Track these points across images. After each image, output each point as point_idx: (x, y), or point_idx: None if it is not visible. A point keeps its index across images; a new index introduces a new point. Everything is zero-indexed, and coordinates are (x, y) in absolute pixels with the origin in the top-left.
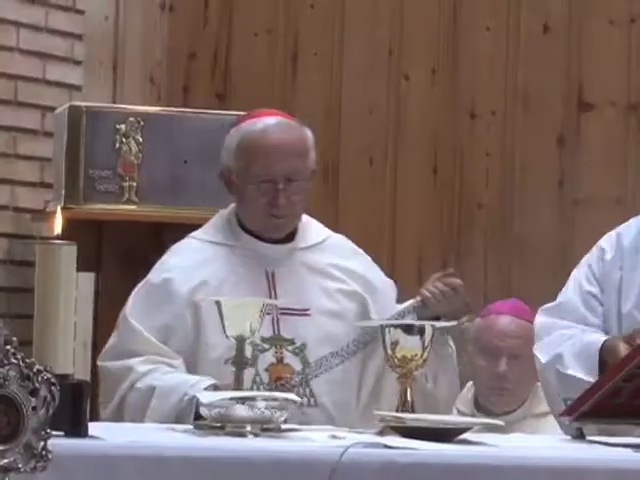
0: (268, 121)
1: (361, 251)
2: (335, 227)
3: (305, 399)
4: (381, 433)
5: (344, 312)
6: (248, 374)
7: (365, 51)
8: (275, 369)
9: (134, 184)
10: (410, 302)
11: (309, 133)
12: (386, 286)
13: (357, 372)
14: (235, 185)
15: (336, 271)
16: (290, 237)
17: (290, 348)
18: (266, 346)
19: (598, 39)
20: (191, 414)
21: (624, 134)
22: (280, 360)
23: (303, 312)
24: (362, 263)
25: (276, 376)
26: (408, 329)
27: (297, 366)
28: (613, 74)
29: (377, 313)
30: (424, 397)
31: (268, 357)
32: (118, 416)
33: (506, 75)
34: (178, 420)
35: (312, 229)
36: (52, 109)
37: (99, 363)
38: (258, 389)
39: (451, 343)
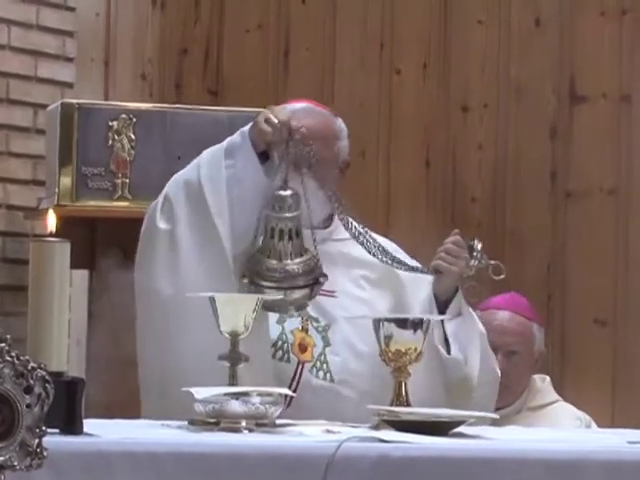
0: (295, 106)
1: (401, 251)
2: None
3: (321, 373)
4: (376, 427)
5: (371, 299)
6: (274, 331)
7: (357, 45)
8: (299, 335)
9: (127, 181)
10: (418, 266)
11: (340, 122)
12: (417, 279)
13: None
14: None
15: (368, 264)
16: (327, 224)
17: (315, 325)
18: (295, 313)
19: (589, 31)
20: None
21: (616, 126)
22: (305, 330)
23: (330, 293)
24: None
25: (299, 342)
26: (402, 323)
27: (319, 343)
28: (605, 66)
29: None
30: (461, 383)
31: (295, 321)
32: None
33: (498, 68)
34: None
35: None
36: (44, 106)
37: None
38: (282, 346)
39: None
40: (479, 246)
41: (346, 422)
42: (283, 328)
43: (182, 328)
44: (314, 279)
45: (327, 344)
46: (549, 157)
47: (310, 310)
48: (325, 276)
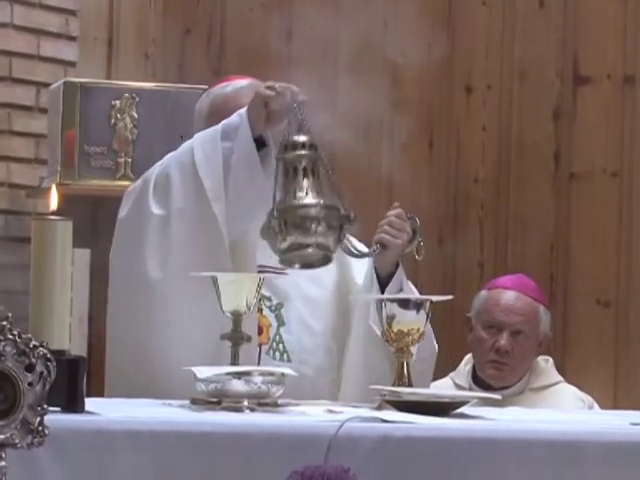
0: (239, 83)
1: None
2: None
3: (278, 354)
4: (378, 407)
5: (319, 276)
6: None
7: (360, 26)
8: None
9: (129, 160)
10: (367, 251)
11: None
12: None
13: (331, 339)
14: None
15: None
16: None
17: (267, 304)
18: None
19: (593, 13)
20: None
21: (620, 107)
22: (259, 310)
23: (281, 271)
24: None
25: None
26: (404, 303)
27: (273, 323)
28: (609, 47)
29: (355, 276)
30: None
31: None
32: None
33: (502, 49)
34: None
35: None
36: (47, 85)
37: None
38: None
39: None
40: (419, 223)
41: (304, 399)
42: None
43: (169, 312)
44: (343, 219)
45: (281, 323)
46: (552, 138)
47: (263, 289)
48: (351, 219)
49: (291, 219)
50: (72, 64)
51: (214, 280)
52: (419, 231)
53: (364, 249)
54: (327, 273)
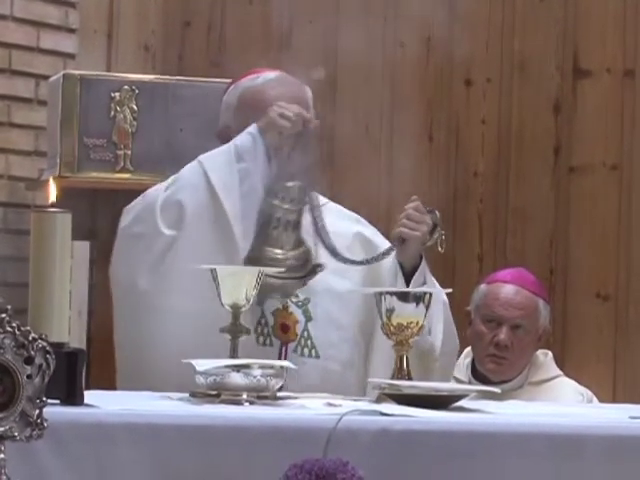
0: (268, 75)
1: (355, 215)
2: (330, 194)
3: (306, 350)
4: (377, 401)
5: (347, 270)
6: (254, 313)
7: (360, 18)
8: (280, 314)
9: (129, 152)
10: (387, 247)
11: (309, 91)
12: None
13: (358, 333)
14: None
15: (338, 230)
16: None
17: (294, 300)
18: (279, 299)
19: (594, 6)
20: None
21: (620, 100)
22: (285, 307)
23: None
24: (360, 223)
25: (281, 322)
26: (404, 296)
27: (300, 318)
28: (609, 41)
29: (382, 271)
30: (424, 352)
31: (274, 301)
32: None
33: (502, 42)
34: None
35: (312, 194)
36: (46, 77)
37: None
38: (262, 330)
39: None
40: (439, 215)
41: (333, 394)
42: (262, 310)
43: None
44: (312, 269)
45: (309, 318)
46: (552, 132)
47: None
48: (321, 266)
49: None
50: (72, 56)
51: (213, 273)
52: (439, 224)
53: (386, 245)
54: (354, 269)
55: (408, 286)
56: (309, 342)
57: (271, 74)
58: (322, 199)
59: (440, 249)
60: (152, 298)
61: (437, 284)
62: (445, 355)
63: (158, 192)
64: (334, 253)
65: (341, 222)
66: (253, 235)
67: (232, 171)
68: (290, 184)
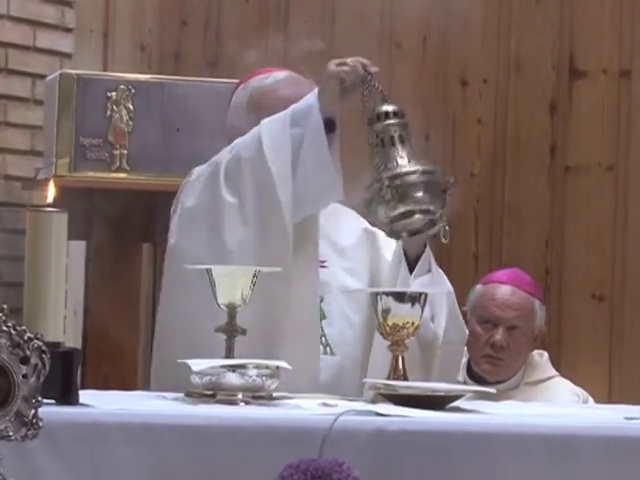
0: (277, 75)
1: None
2: None
3: (321, 347)
4: (373, 401)
5: (355, 268)
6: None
7: (356, 18)
8: None
9: (125, 152)
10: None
11: (316, 87)
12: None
13: (368, 332)
14: None
15: (343, 230)
16: None
17: None
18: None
19: (590, 7)
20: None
21: (616, 101)
22: None
23: (321, 264)
24: (360, 222)
25: None
26: (400, 297)
27: None
28: (605, 41)
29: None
30: (427, 340)
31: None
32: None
33: (498, 42)
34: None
35: None
36: (43, 77)
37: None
38: None
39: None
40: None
41: (345, 392)
42: None
43: None
44: (447, 181)
45: (322, 316)
46: (548, 132)
47: None
48: (452, 182)
49: (400, 188)
50: (68, 55)
51: (209, 273)
52: (444, 214)
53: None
54: (361, 265)
55: (412, 273)
56: (324, 339)
57: (281, 74)
58: None
59: (444, 240)
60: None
61: (442, 273)
62: (450, 344)
63: (223, 156)
64: None
65: (351, 220)
66: (302, 210)
67: (285, 135)
68: (386, 105)
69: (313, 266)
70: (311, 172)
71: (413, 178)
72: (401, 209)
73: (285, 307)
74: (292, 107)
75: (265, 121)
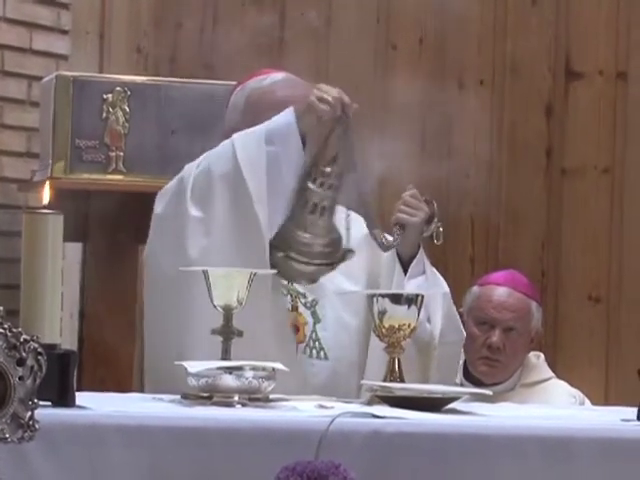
0: (275, 77)
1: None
2: None
3: (315, 352)
4: (369, 403)
5: (352, 271)
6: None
7: (353, 20)
8: (290, 314)
9: (121, 154)
10: (392, 239)
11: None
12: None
13: (365, 335)
14: None
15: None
16: None
17: (302, 301)
18: (284, 291)
19: (586, 8)
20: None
21: (612, 103)
22: (295, 308)
23: None
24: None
25: (291, 322)
26: (396, 299)
27: (309, 320)
28: (601, 43)
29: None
30: (423, 341)
31: (286, 301)
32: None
33: (494, 44)
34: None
35: None
36: (39, 79)
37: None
38: None
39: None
40: (436, 206)
41: (340, 396)
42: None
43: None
44: (342, 256)
45: (317, 320)
46: (544, 134)
47: (298, 286)
48: (352, 252)
49: (298, 256)
50: (64, 57)
51: (205, 274)
52: (436, 215)
53: (390, 239)
54: (359, 268)
55: (406, 274)
56: (317, 344)
57: (278, 75)
58: None
59: (436, 241)
60: (181, 282)
61: (438, 274)
62: (447, 345)
63: (190, 169)
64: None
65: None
66: (282, 218)
67: (260, 153)
68: (328, 169)
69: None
70: (286, 189)
71: (309, 249)
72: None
73: (262, 315)
74: (266, 124)
75: (237, 136)
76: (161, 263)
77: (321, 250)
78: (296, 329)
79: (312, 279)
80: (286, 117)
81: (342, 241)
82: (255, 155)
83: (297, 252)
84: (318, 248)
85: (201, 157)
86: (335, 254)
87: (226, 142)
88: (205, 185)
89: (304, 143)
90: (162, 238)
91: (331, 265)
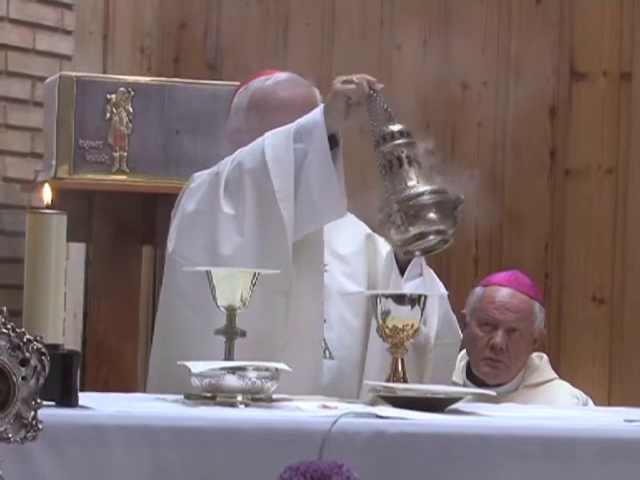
0: (278, 77)
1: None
2: None
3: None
4: (372, 403)
5: (355, 272)
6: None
7: (356, 21)
8: None
9: (124, 154)
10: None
11: (318, 93)
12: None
13: (366, 335)
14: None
15: (344, 236)
16: None
17: None
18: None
19: (590, 9)
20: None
21: (616, 104)
22: None
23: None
24: (364, 227)
25: None
26: (399, 299)
27: None
28: (605, 44)
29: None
30: (418, 342)
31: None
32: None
33: (498, 45)
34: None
35: None
36: (42, 79)
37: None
38: None
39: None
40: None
41: (344, 396)
42: None
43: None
44: (456, 202)
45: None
46: (548, 135)
47: None
48: (461, 198)
49: (410, 210)
50: (68, 58)
51: (208, 275)
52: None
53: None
54: (361, 270)
55: (403, 276)
56: (323, 343)
57: (281, 75)
58: None
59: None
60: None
61: (435, 276)
62: (443, 347)
63: (224, 165)
64: None
65: (353, 226)
66: (304, 228)
67: (288, 149)
68: (389, 125)
69: (317, 272)
70: (315, 189)
71: (423, 200)
72: (412, 232)
73: (285, 319)
74: (297, 122)
75: (269, 134)
76: (192, 261)
77: (427, 200)
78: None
79: (443, 238)
80: (314, 115)
81: (445, 189)
82: (283, 152)
83: (407, 211)
84: (426, 196)
85: (236, 152)
86: (448, 200)
87: (259, 139)
88: (237, 180)
89: (337, 142)
90: (194, 237)
91: (450, 212)
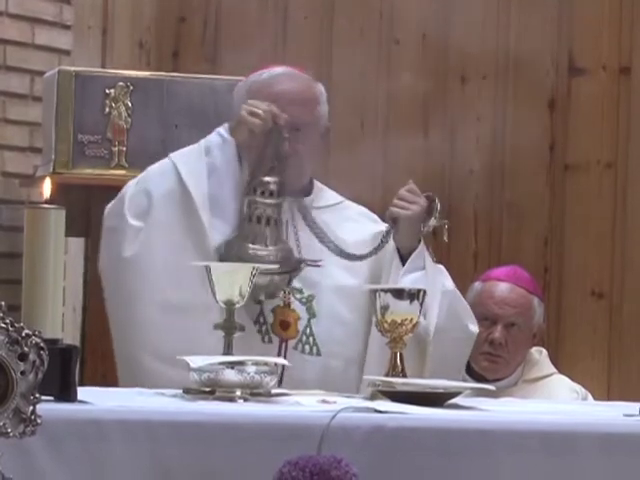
0: (274, 71)
1: (374, 216)
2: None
3: (307, 347)
4: (371, 398)
5: (353, 266)
6: (252, 311)
7: (356, 15)
8: (281, 311)
9: (123, 149)
10: (383, 230)
11: (320, 86)
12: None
13: (364, 330)
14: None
15: (350, 230)
16: (305, 193)
17: (298, 297)
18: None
19: (589, 3)
20: None
21: (615, 98)
22: (287, 304)
23: (314, 263)
24: (377, 222)
25: (280, 319)
26: (398, 294)
27: (303, 315)
28: (604, 38)
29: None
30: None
31: (276, 299)
32: None
33: (497, 39)
34: None
35: (327, 192)
36: (41, 73)
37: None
38: (261, 328)
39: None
40: (439, 205)
41: (334, 391)
42: (261, 308)
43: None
44: (295, 265)
45: (312, 315)
46: (547, 130)
47: (295, 282)
48: (304, 262)
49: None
50: (66, 52)
51: (207, 270)
52: (438, 210)
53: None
54: (361, 263)
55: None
56: (311, 339)
57: (278, 69)
58: (336, 197)
59: (445, 238)
60: (129, 288)
61: (443, 270)
62: (449, 341)
63: (129, 186)
64: (338, 251)
65: (354, 224)
66: (229, 229)
67: (200, 163)
68: (267, 179)
69: None
70: (222, 198)
71: (259, 260)
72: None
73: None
74: (204, 140)
75: (175, 154)
76: (112, 270)
77: (273, 259)
78: (286, 325)
79: (270, 292)
80: (220, 131)
81: (292, 251)
82: (196, 166)
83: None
84: (269, 258)
85: (142, 174)
86: (287, 264)
87: (164, 161)
88: (143, 198)
89: (240, 158)
90: (109, 247)
91: (286, 274)
